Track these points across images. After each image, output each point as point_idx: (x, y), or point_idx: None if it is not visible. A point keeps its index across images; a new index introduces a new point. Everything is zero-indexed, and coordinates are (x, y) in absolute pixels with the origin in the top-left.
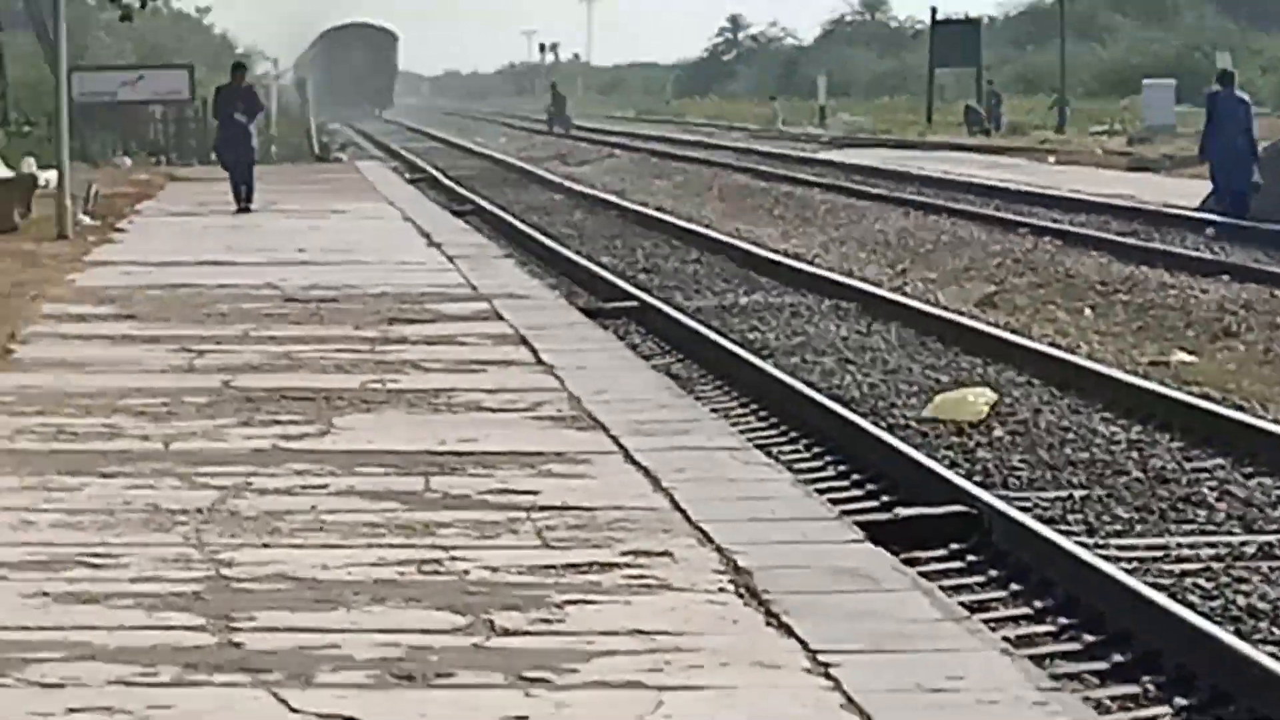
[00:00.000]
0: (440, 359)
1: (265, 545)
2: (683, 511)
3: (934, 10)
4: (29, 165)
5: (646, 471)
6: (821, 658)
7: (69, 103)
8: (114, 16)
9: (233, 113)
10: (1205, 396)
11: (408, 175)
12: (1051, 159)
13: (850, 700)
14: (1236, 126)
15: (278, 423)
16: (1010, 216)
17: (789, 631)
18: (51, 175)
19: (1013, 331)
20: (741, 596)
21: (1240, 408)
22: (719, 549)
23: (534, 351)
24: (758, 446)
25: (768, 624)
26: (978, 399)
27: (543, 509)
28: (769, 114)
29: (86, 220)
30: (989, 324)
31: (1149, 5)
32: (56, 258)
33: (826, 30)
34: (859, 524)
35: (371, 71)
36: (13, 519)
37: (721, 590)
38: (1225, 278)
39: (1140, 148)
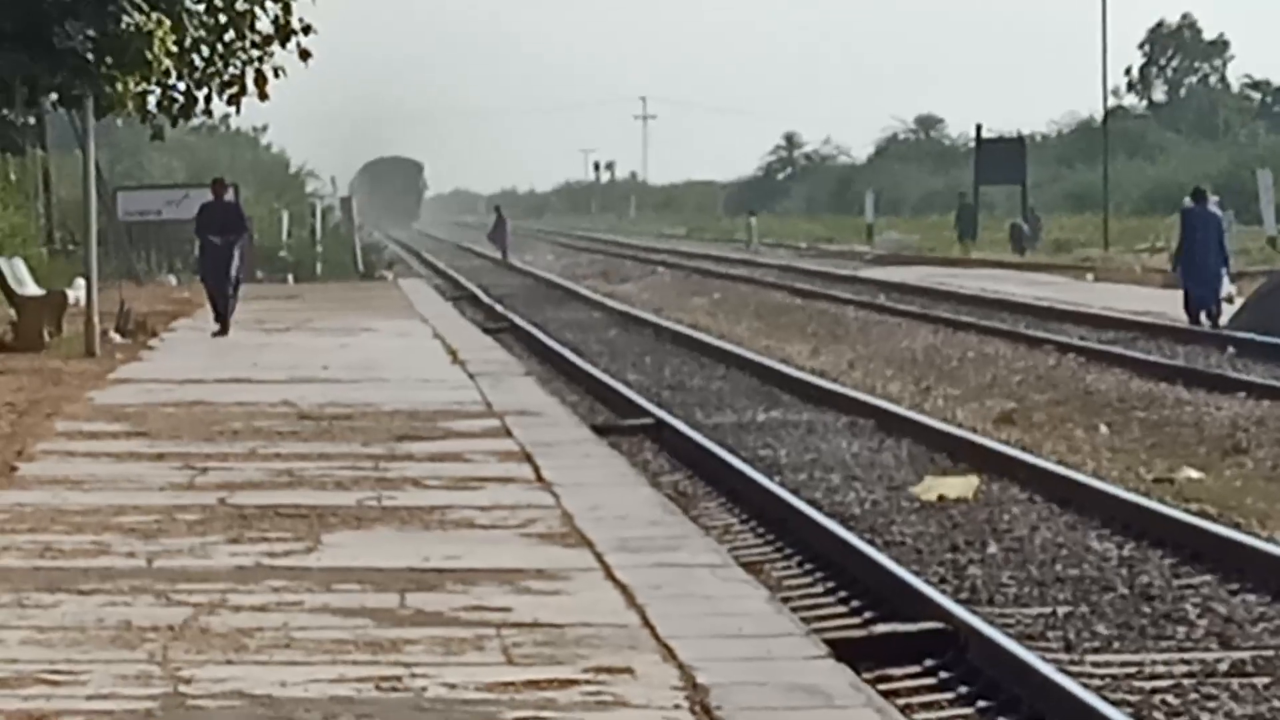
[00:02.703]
0: (441, 476)
1: (229, 662)
2: (651, 628)
3: (979, 127)
4: (78, 285)
5: (624, 588)
6: None
7: (114, 221)
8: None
9: (212, 233)
10: (1203, 514)
11: (449, 293)
12: (1090, 276)
13: None
14: (1209, 240)
15: (265, 540)
16: (1038, 334)
17: None
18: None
19: (1024, 449)
20: (695, 713)
21: (1237, 525)
22: (681, 665)
23: (536, 469)
24: (748, 563)
25: None
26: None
27: (513, 625)
28: (744, 231)
29: (117, 338)
30: (1000, 441)
31: (1200, 123)
32: (80, 375)
33: (880, 148)
34: (834, 641)
35: (403, 193)
36: None
37: (676, 707)
38: (1242, 394)
39: None
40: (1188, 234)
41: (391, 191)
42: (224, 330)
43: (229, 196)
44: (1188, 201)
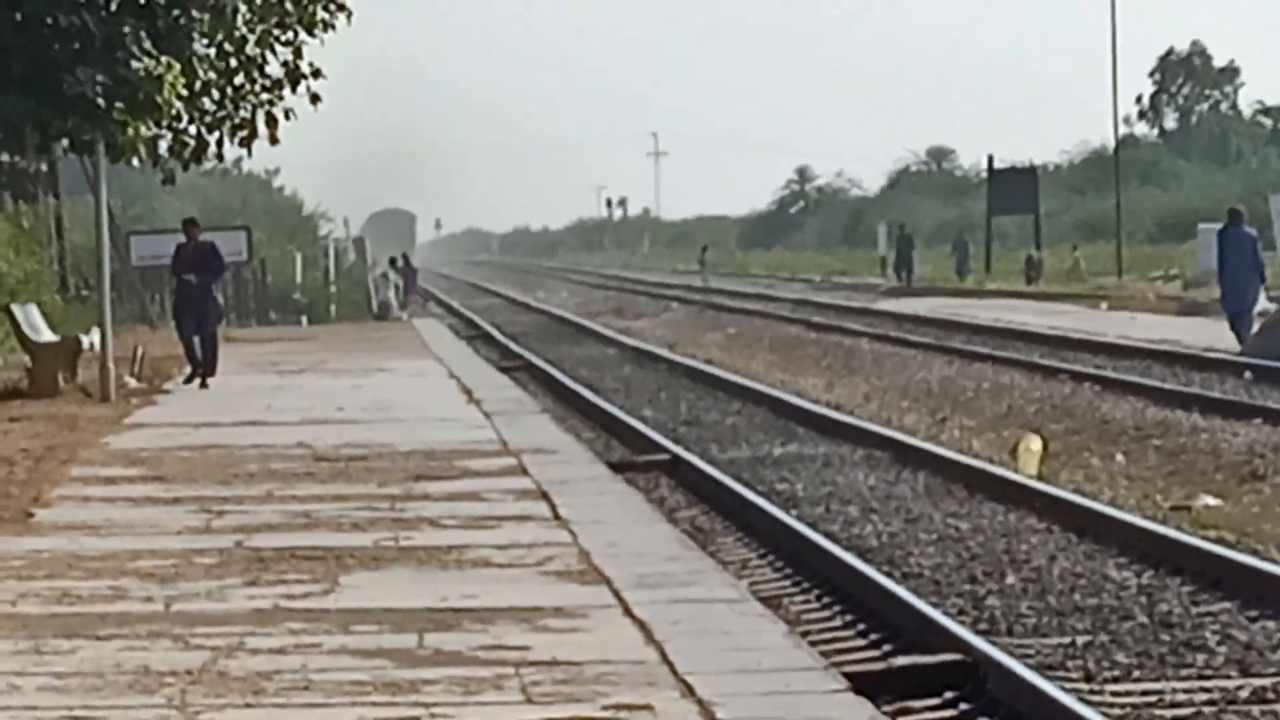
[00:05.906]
0: (458, 515)
1: (248, 705)
2: (670, 664)
3: (990, 158)
4: (93, 333)
5: (642, 625)
6: None
7: (127, 266)
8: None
9: (186, 274)
10: (1221, 541)
11: (464, 333)
12: (1104, 305)
13: None
14: (1244, 258)
15: (283, 582)
16: (1053, 363)
17: None
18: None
19: (1039, 478)
20: None
21: (1255, 551)
22: (700, 701)
23: (553, 506)
24: (766, 598)
25: None
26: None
27: (532, 664)
28: (698, 267)
29: (132, 383)
30: (1014, 471)
31: (1212, 150)
32: (96, 420)
33: (892, 180)
34: (854, 674)
35: (399, 237)
36: (0, 684)
37: None
38: (1258, 421)
39: (1194, 292)
40: (1223, 255)
41: (391, 236)
42: (203, 378)
43: (204, 237)
44: (1202, 226)
